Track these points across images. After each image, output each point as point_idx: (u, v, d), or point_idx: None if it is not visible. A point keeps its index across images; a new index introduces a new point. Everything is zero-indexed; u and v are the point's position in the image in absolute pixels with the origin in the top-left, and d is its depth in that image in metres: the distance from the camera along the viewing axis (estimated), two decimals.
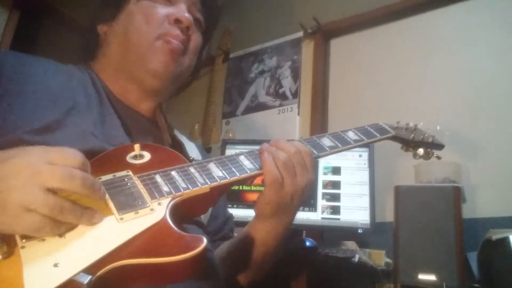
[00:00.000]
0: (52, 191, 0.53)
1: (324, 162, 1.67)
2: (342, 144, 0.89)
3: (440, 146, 1.10)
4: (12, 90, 0.72)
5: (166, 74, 0.87)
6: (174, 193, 0.66)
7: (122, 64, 0.89)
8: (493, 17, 1.79)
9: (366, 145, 1.62)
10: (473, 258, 1.34)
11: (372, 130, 0.97)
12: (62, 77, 0.82)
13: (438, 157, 1.10)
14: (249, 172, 0.76)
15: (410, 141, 1.05)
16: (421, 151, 1.08)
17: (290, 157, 0.77)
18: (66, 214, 0.53)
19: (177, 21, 0.87)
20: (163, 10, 0.88)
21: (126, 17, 0.90)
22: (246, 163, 0.77)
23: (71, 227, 0.56)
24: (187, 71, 0.94)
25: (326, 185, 1.64)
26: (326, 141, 0.88)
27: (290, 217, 0.82)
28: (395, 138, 1.03)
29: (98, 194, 0.57)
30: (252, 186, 1.70)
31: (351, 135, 0.93)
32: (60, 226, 0.54)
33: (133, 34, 0.87)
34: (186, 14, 0.88)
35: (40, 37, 2.60)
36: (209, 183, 0.70)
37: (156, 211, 0.62)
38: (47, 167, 0.53)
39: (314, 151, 0.84)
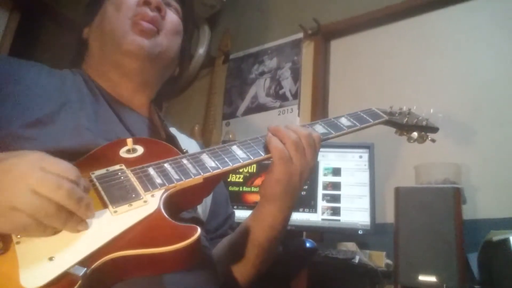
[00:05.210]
0: (40, 195, 0.53)
1: (324, 163, 1.66)
2: (335, 130, 0.90)
3: (434, 129, 1.11)
4: (4, 89, 0.74)
5: (141, 52, 0.88)
6: (167, 184, 0.66)
7: (103, 56, 0.91)
8: (493, 17, 1.79)
9: (366, 146, 1.64)
10: (473, 259, 1.33)
11: (365, 116, 0.97)
12: (55, 78, 0.84)
13: (433, 140, 1.11)
14: (241, 161, 0.76)
15: (403, 125, 1.06)
16: (415, 134, 1.09)
17: (301, 138, 0.79)
18: (50, 219, 0.53)
19: (146, 3, 0.90)
20: None
21: (101, 14, 0.93)
22: (239, 152, 0.78)
23: (58, 230, 0.56)
24: (167, 52, 0.94)
25: (326, 186, 1.64)
26: (319, 128, 0.89)
27: (295, 199, 0.82)
28: (388, 123, 1.03)
29: (83, 211, 0.56)
30: (252, 187, 1.70)
31: (344, 121, 0.94)
32: (46, 229, 0.54)
33: (106, 25, 0.90)
34: None
35: (40, 38, 2.61)
36: (202, 174, 0.70)
37: (149, 203, 0.62)
38: (37, 172, 0.54)
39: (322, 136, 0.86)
